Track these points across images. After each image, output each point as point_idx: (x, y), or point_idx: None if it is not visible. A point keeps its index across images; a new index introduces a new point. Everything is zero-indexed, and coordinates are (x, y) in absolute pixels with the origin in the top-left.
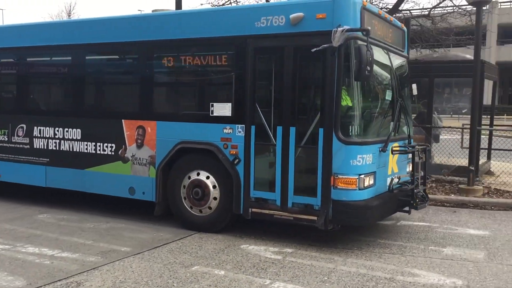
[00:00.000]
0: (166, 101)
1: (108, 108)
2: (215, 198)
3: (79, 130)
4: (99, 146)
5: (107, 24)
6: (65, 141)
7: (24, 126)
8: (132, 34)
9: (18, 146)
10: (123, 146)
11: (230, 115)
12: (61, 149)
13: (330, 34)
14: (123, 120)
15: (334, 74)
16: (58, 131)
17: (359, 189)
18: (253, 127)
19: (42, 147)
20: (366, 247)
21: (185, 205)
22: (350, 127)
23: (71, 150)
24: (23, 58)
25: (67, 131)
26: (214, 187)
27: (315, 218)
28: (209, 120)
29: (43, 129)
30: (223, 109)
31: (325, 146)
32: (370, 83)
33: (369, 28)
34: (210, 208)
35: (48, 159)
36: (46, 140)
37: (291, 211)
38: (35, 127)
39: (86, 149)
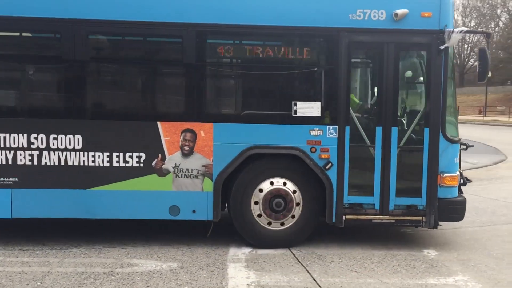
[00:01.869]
0: (229, 99)
1: (134, 107)
2: (298, 205)
3: (78, 136)
4: (117, 157)
5: None
6: (52, 152)
7: None
8: (179, 15)
9: None
10: (160, 155)
11: (319, 115)
12: (43, 163)
13: (435, 33)
14: (159, 123)
15: (441, 74)
16: (36, 138)
17: (457, 186)
18: (347, 128)
19: (3, 162)
20: (85, 245)
21: (257, 219)
22: (452, 125)
23: (64, 164)
24: None
25: (54, 139)
26: (294, 192)
27: (420, 218)
28: (291, 121)
29: (4, 137)
30: (309, 108)
31: (432, 146)
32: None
33: (491, 32)
34: (292, 218)
35: (16, 179)
36: (13, 151)
37: (392, 213)
38: None
39: (93, 161)
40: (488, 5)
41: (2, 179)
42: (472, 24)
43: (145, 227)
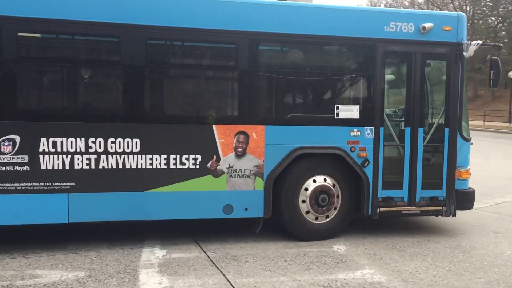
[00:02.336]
0: (278, 103)
1: (191, 111)
2: (337, 201)
3: (136, 140)
4: (175, 159)
5: (189, 4)
6: (110, 156)
7: (17, 138)
8: (235, 23)
9: None
10: (215, 156)
11: (358, 117)
12: (101, 167)
13: (454, 45)
14: (214, 126)
15: (459, 81)
16: (94, 143)
17: (469, 179)
18: (381, 129)
19: (60, 167)
20: None
21: (304, 215)
22: (466, 126)
23: (122, 167)
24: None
25: (112, 143)
26: (337, 193)
27: (441, 208)
28: (334, 123)
29: (61, 141)
30: (350, 111)
31: (451, 144)
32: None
33: (501, 45)
34: (327, 216)
35: (73, 183)
36: (70, 156)
37: (418, 205)
38: (44, 139)
39: (151, 164)
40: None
41: (59, 183)
42: None
43: (48, 234)
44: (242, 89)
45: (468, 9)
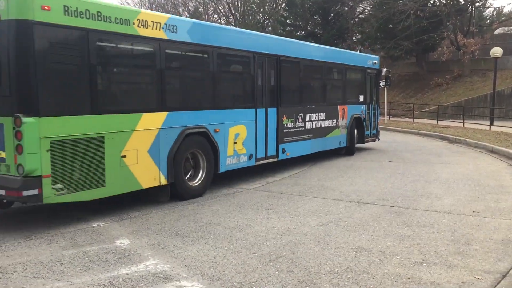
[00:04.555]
0: (346, 94)
1: (333, 99)
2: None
3: (323, 113)
4: (329, 122)
5: (310, 48)
6: (318, 122)
7: (301, 114)
8: (327, 57)
9: (298, 129)
10: (338, 120)
11: (362, 100)
12: (317, 126)
13: (378, 69)
14: (338, 106)
15: (379, 85)
16: (316, 116)
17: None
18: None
19: (310, 127)
20: None
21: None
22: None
23: (320, 126)
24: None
25: (319, 115)
26: None
27: (374, 138)
28: (358, 103)
29: (309, 115)
30: (361, 98)
31: (377, 111)
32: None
33: (390, 70)
34: None
35: (311, 135)
36: (311, 122)
37: (371, 136)
38: (307, 115)
39: (326, 124)
40: (171, 3)
41: (310, 135)
42: None
43: None
44: (343, 87)
45: (239, 5)
